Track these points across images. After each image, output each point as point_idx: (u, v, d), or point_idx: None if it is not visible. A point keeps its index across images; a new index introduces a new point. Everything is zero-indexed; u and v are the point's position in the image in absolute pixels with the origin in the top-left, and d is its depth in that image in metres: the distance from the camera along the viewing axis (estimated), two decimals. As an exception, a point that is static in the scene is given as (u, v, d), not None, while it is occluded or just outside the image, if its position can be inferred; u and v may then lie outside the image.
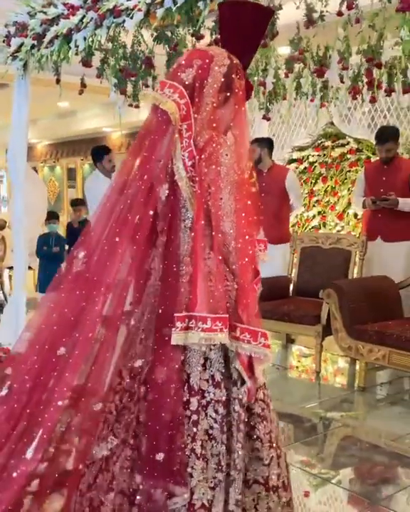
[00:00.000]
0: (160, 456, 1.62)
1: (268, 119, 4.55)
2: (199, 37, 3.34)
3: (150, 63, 3.73)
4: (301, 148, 6.34)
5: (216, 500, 1.66)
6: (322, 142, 6.18)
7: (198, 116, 1.72)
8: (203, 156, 1.70)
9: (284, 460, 1.86)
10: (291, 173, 5.21)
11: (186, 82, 1.70)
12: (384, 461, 2.94)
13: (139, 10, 2.96)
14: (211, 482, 1.67)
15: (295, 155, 6.36)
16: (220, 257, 1.69)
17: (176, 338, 1.65)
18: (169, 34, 3.44)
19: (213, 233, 1.69)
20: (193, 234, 1.70)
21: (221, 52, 1.80)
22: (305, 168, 6.31)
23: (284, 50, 3.84)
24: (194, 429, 1.67)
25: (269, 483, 1.78)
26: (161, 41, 3.48)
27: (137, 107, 4.45)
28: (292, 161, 6.40)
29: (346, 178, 5.98)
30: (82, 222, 6.02)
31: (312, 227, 6.19)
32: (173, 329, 1.65)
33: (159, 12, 2.89)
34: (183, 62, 1.76)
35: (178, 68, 1.75)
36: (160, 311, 1.71)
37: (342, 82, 4.31)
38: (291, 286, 4.80)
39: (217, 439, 1.69)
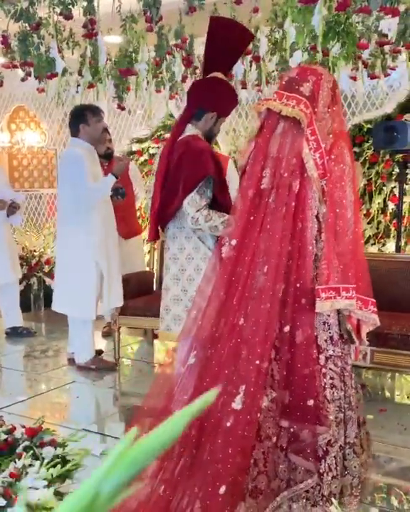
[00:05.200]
0: (310, 402, 1.96)
1: (123, 109, 4.37)
2: (68, 17, 3.07)
3: (6, 43, 3.32)
4: (140, 141, 6.24)
5: (339, 435, 2.08)
6: (161, 134, 6.14)
7: (318, 123, 2.06)
8: (332, 157, 2.05)
9: None
10: (133, 163, 5.13)
11: (307, 95, 2.05)
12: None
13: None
14: (334, 422, 2.05)
15: (135, 147, 6.25)
16: (347, 239, 2.05)
17: (322, 306, 2.01)
18: (31, 11, 3.09)
19: (339, 220, 2.04)
20: (329, 220, 2.03)
21: (325, 70, 2.21)
22: (146, 160, 6.22)
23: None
24: (324, 380, 2.06)
25: (366, 422, 2.30)
26: (21, 19, 3.12)
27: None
28: (131, 153, 6.27)
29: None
30: None
31: (157, 220, 6.15)
32: (317, 299, 1.99)
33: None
34: (297, 77, 2.10)
35: (293, 82, 2.09)
36: (298, 285, 2.03)
37: (195, 72, 4.33)
38: (154, 281, 4.70)
39: (337, 386, 2.08)
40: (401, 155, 4.68)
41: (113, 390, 3.91)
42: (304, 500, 2.02)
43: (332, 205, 2.03)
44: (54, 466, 2.33)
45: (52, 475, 2.27)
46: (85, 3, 2.93)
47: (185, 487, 1.91)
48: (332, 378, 2.08)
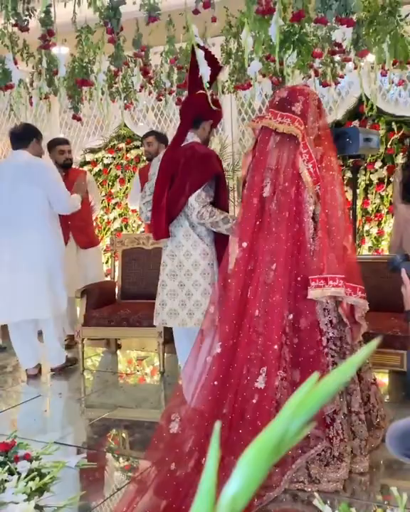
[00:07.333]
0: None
1: (79, 119, 4.35)
2: (24, 29, 3.05)
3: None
4: (93, 150, 6.23)
5: (342, 405, 2.40)
6: (115, 144, 6.14)
7: (308, 137, 2.35)
8: (323, 165, 2.38)
9: None
10: (89, 174, 5.16)
11: (298, 113, 2.36)
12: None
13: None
14: (337, 394, 2.29)
15: (88, 157, 6.22)
16: (338, 235, 2.36)
17: (313, 293, 2.31)
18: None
19: (331, 219, 2.34)
20: (321, 220, 2.33)
21: (311, 90, 2.58)
22: (100, 170, 6.21)
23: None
24: (327, 358, 2.38)
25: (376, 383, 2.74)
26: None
27: None
28: (85, 163, 6.24)
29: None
30: None
31: (115, 230, 6.13)
32: (309, 287, 2.30)
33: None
34: (287, 97, 2.42)
35: (285, 102, 2.41)
36: (298, 278, 2.35)
37: (150, 82, 4.37)
38: (116, 291, 4.67)
39: (338, 363, 2.37)
40: (352, 160, 4.83)
41: (80, 402, 3.87)
42: (318, 462, 2.38)
43: (324, 207, 2.34)
44: (32, 479, 2.30)
45: (31, 488, 2.24)
46: (42, 15, 2.93)
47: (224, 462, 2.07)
48: (333, 356, 2.42)
